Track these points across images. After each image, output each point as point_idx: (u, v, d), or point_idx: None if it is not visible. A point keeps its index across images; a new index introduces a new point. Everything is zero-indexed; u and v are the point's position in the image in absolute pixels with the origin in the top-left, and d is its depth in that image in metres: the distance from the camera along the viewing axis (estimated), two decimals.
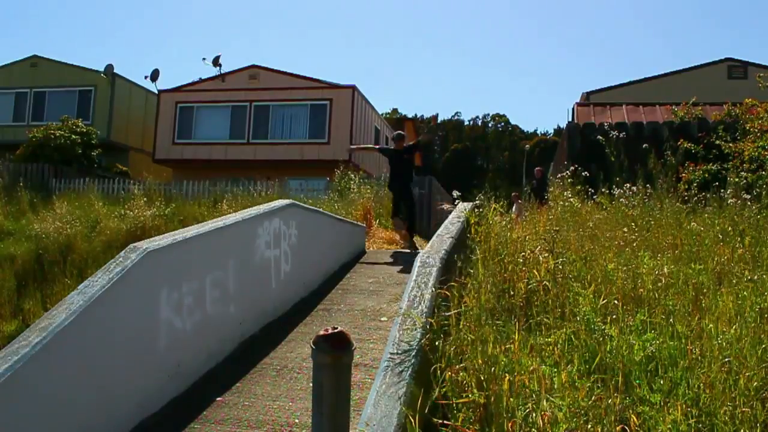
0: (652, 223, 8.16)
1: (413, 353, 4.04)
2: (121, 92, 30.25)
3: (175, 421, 4.98)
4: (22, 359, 3.92)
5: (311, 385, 5.42)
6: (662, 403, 3.84)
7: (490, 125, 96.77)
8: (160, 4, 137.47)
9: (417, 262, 5.41)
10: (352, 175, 18.77)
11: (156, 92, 29.30)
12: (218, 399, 5.36)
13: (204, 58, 32.38)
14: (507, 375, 3.84)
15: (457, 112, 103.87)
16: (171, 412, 5.19)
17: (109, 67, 29.76)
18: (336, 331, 2.58)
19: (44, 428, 4.10)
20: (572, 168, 10.49)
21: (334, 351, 2.55)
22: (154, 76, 29.69)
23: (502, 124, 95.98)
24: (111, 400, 4.70)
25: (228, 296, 6.40)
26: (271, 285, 7.47)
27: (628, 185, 9.58)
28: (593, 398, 3.80)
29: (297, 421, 4.85)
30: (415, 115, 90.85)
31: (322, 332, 2.58)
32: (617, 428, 3.60)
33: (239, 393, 5.48)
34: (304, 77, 27.70)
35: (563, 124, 32.04)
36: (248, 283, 6.85)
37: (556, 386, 3.93)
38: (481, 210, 7.65)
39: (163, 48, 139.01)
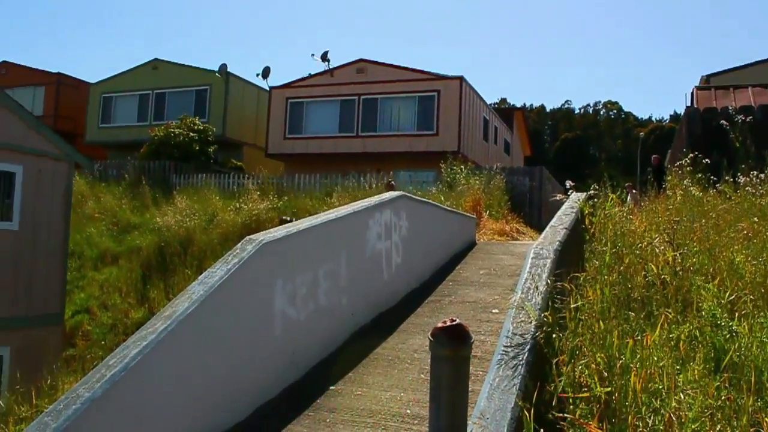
0: None
1: (527, 347, 3.95)
2: (235, 90, 31.28)
3: (290, 407, 5.09)
4: (150, 345, 4.11)
5: (422, 376, 5.46)
6: None
7: (601, 113, 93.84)
8: (271, 4, 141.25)
9: (530, 254, 5.29)
10: (462, 167, 18.64)
11: (267, 89, 30.08)
12: (331, 388, 5.43)
13: (313, 54, 32.98)
14: (634, 369, 3.68)
15: (567, 101, 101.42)
16: (286, 399, 5.31)
17: (223, 67, 30.82)
18: (454, 323, 2.54)
19: (171, 409, 4.29)
20: (692, 155, 9.99)
21: (453, 343, 2.51)
22: (265, 73, 30.50)
23: (615, 111, 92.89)
24: (231, 385, 4.86)
25: (340, 287, 6.48)
26: (383, 276, 7.52)
27: (756, 173, 9.03)
28: (722, 398, 3.59)
29: (408, 411, 4.86)
30: (524, 104, 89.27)
31: (440, 324, 2.54)
32: (750, 431, 3.39)
33: (351, 382, 5.54)
34: (412, 69, 27.69)
35: (680, 110, 30.56)
36: (360, 274, 6.91)
37: (681, 384, 3.74)
38: (595, 200, 7.41)
39: (274, 46, 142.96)
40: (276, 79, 37.71)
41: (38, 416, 3.82)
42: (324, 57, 29.08)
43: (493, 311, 7.14)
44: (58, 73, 34.92)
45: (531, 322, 4.18)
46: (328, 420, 4.82)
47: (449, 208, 11.48)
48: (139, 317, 16.04)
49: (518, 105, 79.78)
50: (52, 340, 13.68)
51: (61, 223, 14.21)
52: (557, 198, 8.39)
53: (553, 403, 3.70)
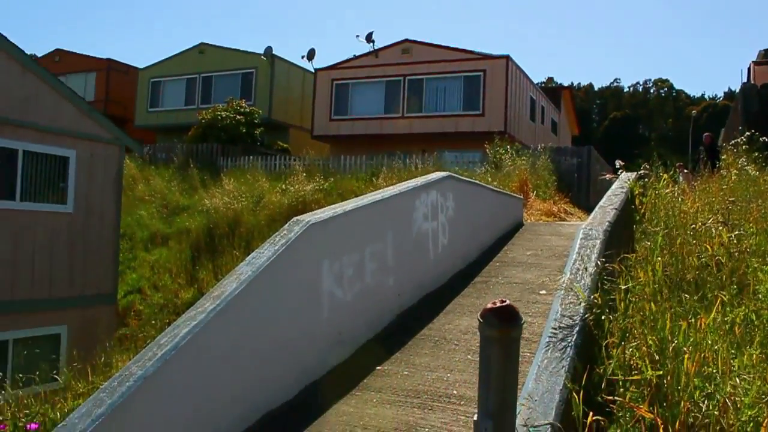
0: None
1: (576, 328, 3.90)
2: (280, 72, 31.43)
3: (337, 387, 5.12)
4: (199, 324, 4.18)
5: (469, 357, 5.44)
6: None
7: (651, 91, 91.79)
8: None
9: (579, 235, 5.20)
10: (508, 147, 18.45)
11: (312, 71, 30.17)
12: (378, 368, 5.45)
13: (357, 35, 33.07)
14: (687, 353, 3.60)
15: (616, 79, 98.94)
16: (333, 379, 5.35)
17: (269, 50, 30.97)
18: (504, 304, 2.49)
19: (220, 387, 4.36)
20: (748, 133, 9.68)
21: (502, 324, 2.47)
22: (311, 55, 30.60)
23: (666, 89, 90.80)
24: (279, 364, 4.91)
25: (387, 268, 6.48)
26: (429, 257, 7.50)
27: None
28: None
29: (455, 392, 4.85)
30: (571, 83, 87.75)
31: (489, 305, 2.50)
32: None
33: (398, 363, 5.55)
34: (457, 49, 27.44)
35: (736, 87, 29.65)
36: (406, 255, 6.90)
37: (736, 368, 3.64)
38: (645, 180, 7.26)
39: (319, 28, 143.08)
40: (321, 61, 37.91)
41: (94, 392, 3.92)
42: (369, 38, 29.02)
43: (541, 292, 7.07)
44: (109, 59, 35.62)
45: (580, 304, 4.12)
46: (374, 400, 4.85)
47: (496, 189, 11.38)
48: (189, 297, 16.36)
49: (565, 84, 78.35)
50: (106, 319, 14.05)
51: (112, 206, 14.53)
52: (606, 178, 8.25)
53: (603, 386, 3.65)
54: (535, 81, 32.29)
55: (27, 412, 5.57)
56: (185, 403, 4.12)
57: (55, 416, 5.70)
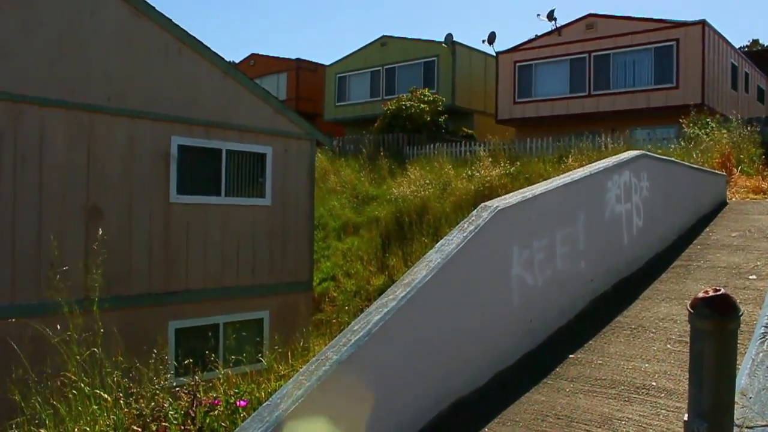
0: None
1: None
2: (462, 59, 31.45)
3: (528, 375, 5.03)
4: (390, 311, 4.26)
5: (668, 346, 5.13)
6: None
7: None
8: None
9: None
10: (707, 119, 17.21)
11: (494, 54, 29.88)
12: (570, 356, 5.29)
13: (538, 14, 32.28)
14: None
15: None
16: (524, 366, 5.26)
17: (449, 37, 31.10)
18: (719, 293, 2.29)
19: (410, 373, 4.43)
20: None
21: (717, 316, 2.27)
22: (491, 39, 30.34)
23: None
24: (469, 351, 4.90)
25: (578, 252, 6.26)
26: (623, 240, 7.16)
27: None
28: None
29: (654, 384, 4.59)
30: None
31: (701, 294, 2.30)
32: None
33: (591, 351, 5.35)
34: (645, 19, 25.92)
35: None
36: (598, 238, 6.63)
37: None
38: None
39: (498, 10, 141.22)
40: (502, 44, 37.37)
41: (294, 375, 4.13)
42: (550, 16, 28.26)
43: (750, 277, 6.50)
44: (297, 59, 37.64)
45: None
46: (567, 389, 4.70)
47: (694, 166, 10.64)
48: (380, 284, 16.89)
49: None
50: (303, 306, 14.85)
51: (306, 197, 15.31)
52: None
53: None
54: (737, 45, 29.73)
55: (236, 390, 5.98)
56: (378, 388, 4.22)
57: (260, 395, 6.08)
